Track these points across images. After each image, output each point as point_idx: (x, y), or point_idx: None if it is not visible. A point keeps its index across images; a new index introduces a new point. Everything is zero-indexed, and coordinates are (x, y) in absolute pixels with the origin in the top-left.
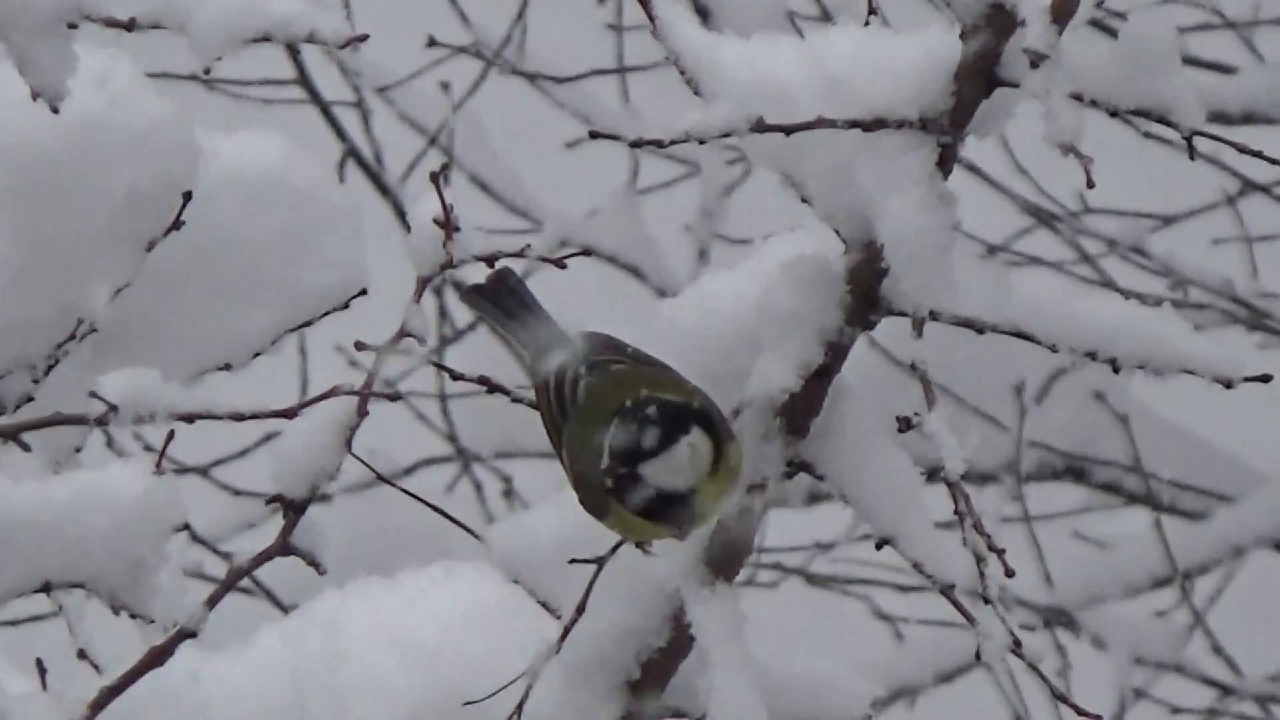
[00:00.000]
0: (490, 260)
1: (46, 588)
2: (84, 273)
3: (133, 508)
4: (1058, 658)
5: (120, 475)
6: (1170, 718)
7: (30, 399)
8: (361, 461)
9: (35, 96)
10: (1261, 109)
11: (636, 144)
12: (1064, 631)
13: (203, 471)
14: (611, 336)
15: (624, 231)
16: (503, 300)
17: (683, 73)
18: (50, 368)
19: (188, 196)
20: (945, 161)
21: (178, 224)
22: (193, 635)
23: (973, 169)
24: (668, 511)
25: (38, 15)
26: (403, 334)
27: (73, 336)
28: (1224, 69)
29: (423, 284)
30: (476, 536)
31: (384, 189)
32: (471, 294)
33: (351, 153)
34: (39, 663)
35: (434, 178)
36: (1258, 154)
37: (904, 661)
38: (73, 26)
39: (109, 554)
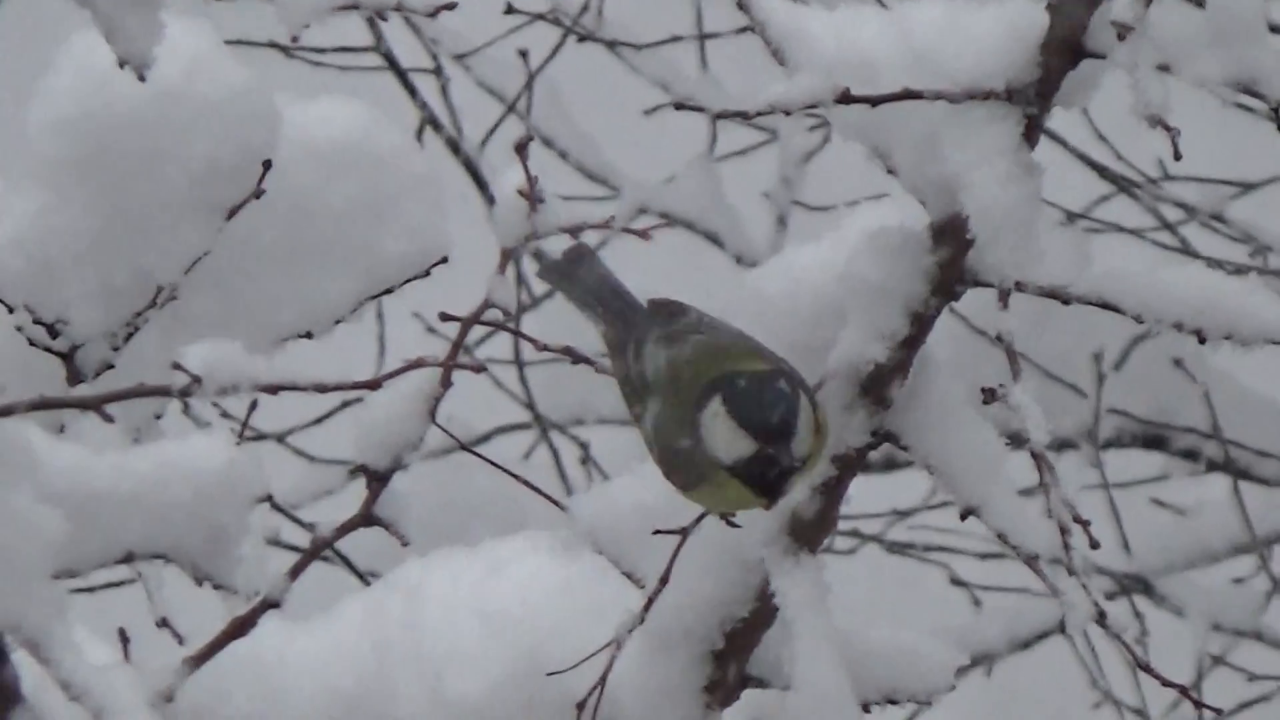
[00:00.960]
0: (574, 231)
1: (129, 558)
2: (163, 241)
3: (215, 478)
4: (1136, 625)
5: (202, 446)
6: (1248, 685)
7: (110, 367)
8: (444, 430)
9: (122, 65)
10: None
11: (721, 115)
12: (1142, 599)
13: (280, 439)
14: (680, 302)
15: (702, 198)
16: (578, 273)
17: (768, 43)
18: (129, 336)
19: (267, 164)
20: (1031, 132)
21: (257, 192)
22: (276, 605)
23: (1052, 136)
24: (779, 483)
25: None
26: (487, 305)
27: (152, 304)
28: None
29: (507, 255)
30: (559, 506)
31: (462, 156)
32: (549, 269)
33: (430, 120)
34: (121, 632)
35: (518, 149)
36: None
37: (981, 629)
38: None
39: (191, 524)
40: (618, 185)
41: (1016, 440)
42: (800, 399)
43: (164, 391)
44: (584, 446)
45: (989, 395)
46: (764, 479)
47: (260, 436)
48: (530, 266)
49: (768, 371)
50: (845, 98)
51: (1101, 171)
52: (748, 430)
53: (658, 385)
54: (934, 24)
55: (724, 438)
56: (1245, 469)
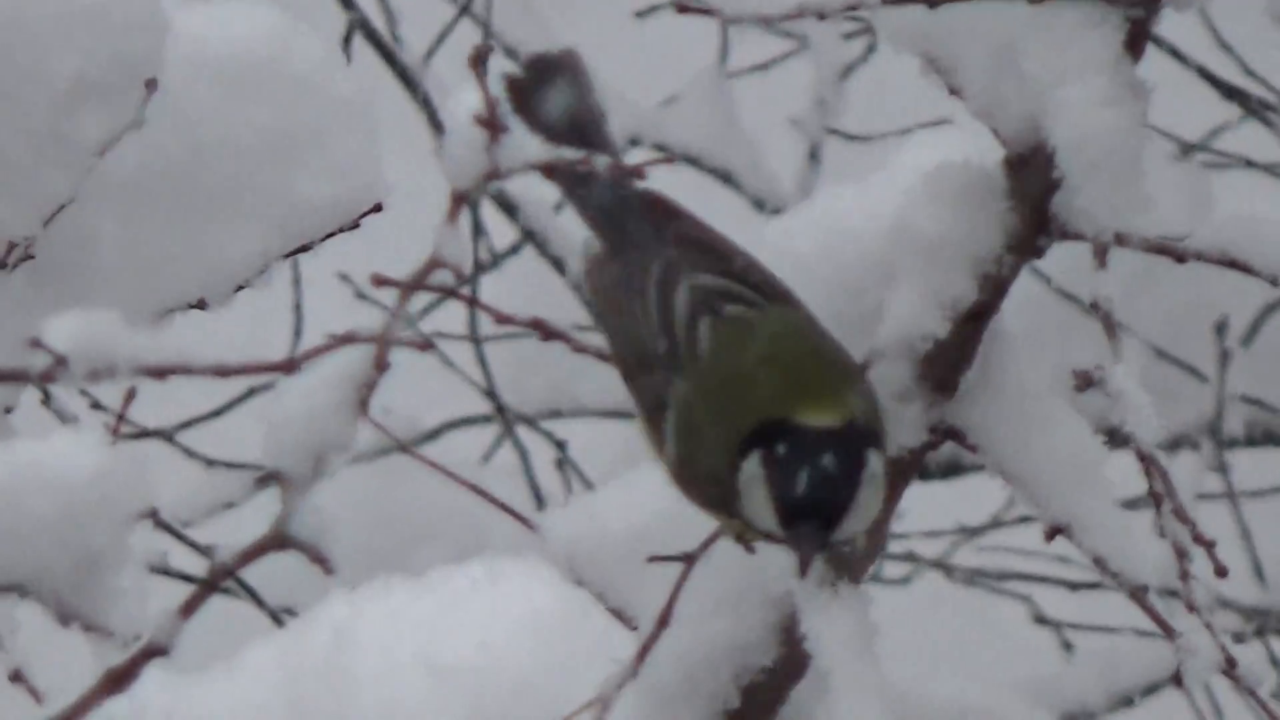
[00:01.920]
0: (548, 169)
1: None
2: (16, 184)
3: (85, 489)
4: (1274, 675)
5: (68, 447)
6: None
7: None
8: (379, 426)
9: None
10: None
11: (735, 20)
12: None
13: (167, 436)
14: (699, 225)
15: (712, 126)
16: (549, 104)
17: None
18: None
19: (150, 85)
20: (1136, 41)
21: (138, 121)
22: (163, 652)
23: (1162, 45)
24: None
25: None
26: (434, 264)
27: (2, 265)
28: None
29: (460, 200)
30: (527, 524)
31: (402, 72)
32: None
33: (360, 24)
34: None
35: (474, 63)
36: None
37: (1074, 678)
38: None
39: (55, 548)
40: (604, 109)
41: (1117, 438)
42: (863, 474)
43: (19, 376)
44: (560, 445)
45: (1083, 380)
46: (793, 552)
47: (142, 434)
48: (491, 210)
49: (826, 432)
50: None
51: (1226, 91)
52: (779, 516)
53: (695, 369)
54: None
55: (756, 509)
56: None
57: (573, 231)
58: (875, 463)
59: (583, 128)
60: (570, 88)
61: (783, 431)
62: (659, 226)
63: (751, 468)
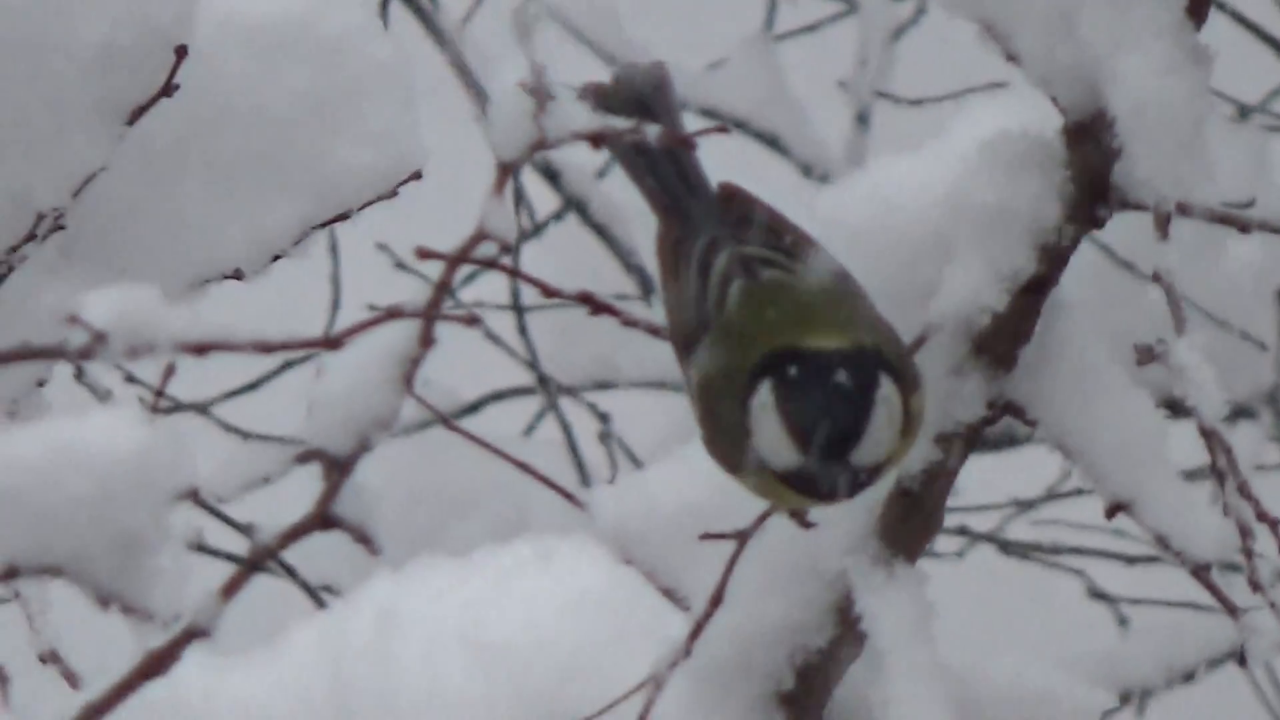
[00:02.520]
0: (596, 139)
1: (12, 573)
2: (45, 154)
3: (124, 468)
4: None
5: (106, 425)
6: None
7: None
8: (422, 402)
9: None
10: None
11: None
12: None
13: (203, 409)
14: (760, 204)
15: (758, 89)
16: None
17: None
18: (3, 276)
19: (181, 52)
20: (1197, 5)
21: (168, 89)
22: (204, 635)
23: (1221, 6)
24: (835, 493)
25: None
26: (480, 237)
27: (32, 236)
28: None
29: (506, 171)
30: (572, 500)
31: (440, 36)
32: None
33: None
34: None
35: (520, 28)
36: None
37: (1130, 655)
38: None
39: (94, 529)
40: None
41: (1176, 408)
42: (877, 394)
43: (58, 353)
44: (604, 418)
45: (1145, 354)
46: (817, 490)
47: (178, 407)
48: (532, 179)
49: (836, 353)
50: None
51: None
52: (794, 438)
53: (720, 323)
54: None
55: (770, 440)
56: None
57: (616, 198)
58: (888, 386)
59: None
60: (657, 104)
61: (790, 357)
62: (722, 207)
63: (762, 397)
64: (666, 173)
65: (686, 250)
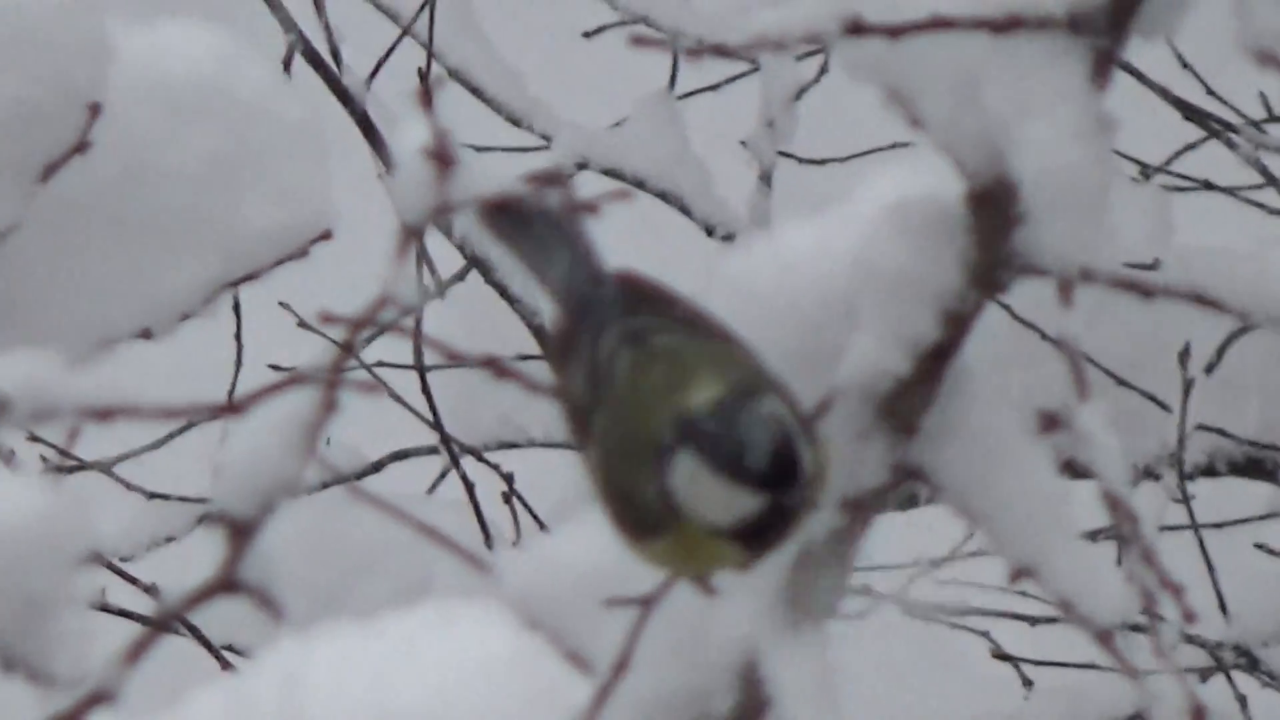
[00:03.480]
0: (494, 211)
1: None
2: None
3: (27, 533)
4: (1237, 711)
5: (9, 491)
6: None
7: None
8: (328, 468)
9: None
10: None
11: (694, 52)
12: (1244, 675)
13: (105, 469)
14: (653, 283)
15: (661, 148)
16: (535, 224)
17: None
18: None
19: (94, 109)
20: (1102, 72)
21: (81, 146)
22: (109, 698)
23: (1124, 66)
24: (782, 534)
25: None
26: (382, 302)
27: None
28: None
29: (410, 235)
30: (475, 562)
31: (344, 95)
32: (494, 213)
33: (301, 46)
34: None
35: (424, 96)
36: None
37: (1034, 715)
38: None
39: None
40: (549, 132)
41: (1079, 471)
42: (782, 412)
43: None
44: (508, 478)
45: (1049, 421)
46: (773, 536)
47: (80, 466)
48: (435, 238)
49: (732, 393)
50: (857, 27)
51: (1187, 112)
52: (750, 483)
53: (613, 397)
54: None
55: (717, 500)
56: None
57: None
58: (782, 408)
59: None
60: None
61: (694, 420)
62: (620, 293)
63: (686, 467)
64: (562, 262)
65: (575, 338)
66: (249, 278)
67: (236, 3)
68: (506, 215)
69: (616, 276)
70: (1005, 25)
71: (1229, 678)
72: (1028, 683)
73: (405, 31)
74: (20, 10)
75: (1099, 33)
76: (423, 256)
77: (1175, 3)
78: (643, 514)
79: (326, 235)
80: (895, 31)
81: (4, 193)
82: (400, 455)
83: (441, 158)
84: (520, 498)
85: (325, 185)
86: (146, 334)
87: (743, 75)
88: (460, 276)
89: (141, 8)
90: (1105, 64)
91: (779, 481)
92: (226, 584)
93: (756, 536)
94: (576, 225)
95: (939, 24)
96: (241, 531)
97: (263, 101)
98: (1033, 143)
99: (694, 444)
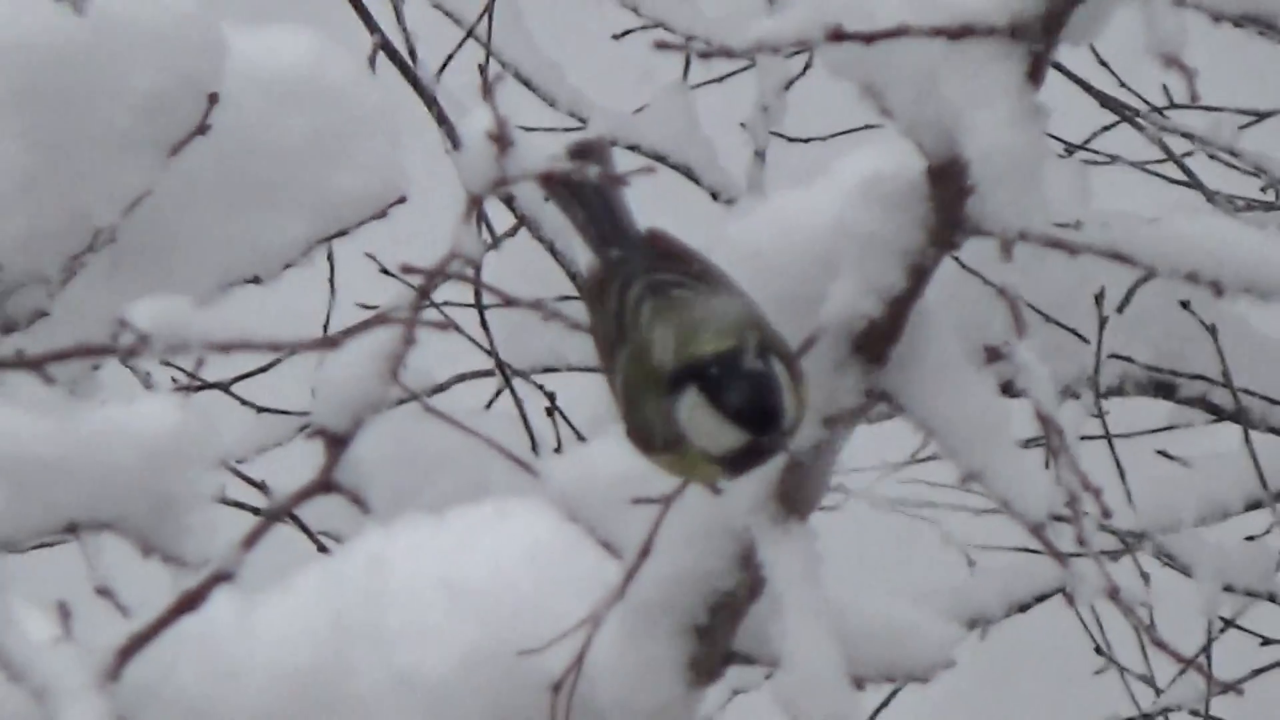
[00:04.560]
0: (547, 180)
1: (72, 529)
2: (101, 180)
3: (164, 442)
4: (1144, 591)
5: (150, 407)
6: (1260, 650)
7: (44, 314)
8: (406, 390)
9: None
10: None
11: (707, 54)
12: (1147, 557)
13: (225, 388)
14: (676, 242)
15: (675, 129)
16: (583, 187)
17: None
18: (65, 281)
19: (213, 98)
20: (1036, 71)
21: (202, 128)
22: (228, 578)
23: (1053, 65)
24: (761, 463)
25: None
26: (453, 255)
27: (90, 247)
28: None
29: (475, 203)
30: (526, 467)
31: (418, 85)
32: (550, 181)
33: (383, 46)
34: (61, 605)
35: (486, 90)
36: None
37: (976, 590)
38: None
39: (138, 492)
40: (585, 115)
41: (1015, 392)
42: (776, 370)
43: (110, 350)
44: (550, 396)
45: (993, 354)
46: (748, 461)
47: (204, 386)
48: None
49: (735, 350)
50: (838, 35)
51: (1103, 100)
52: (738, 422)
53: (635, 337)
54: None
55: (710, 431)
56: (1258, 418)
57: (559, 220)
58: (778, 366)
59: (602, 201)
60: (600, 164)
61: (703, 364)
62: (647, 249)
63: (690, 400)
64: (601, 219)
65: (608, 285)
66: (338, 234)
67: (329, 8)
68: (559, 183)
69: (645, 233)
70: (958, 33)
71: (1135, 560)
72: (971, 564)
73: (469, 34)
74: (150, 18)
75: (1035, 39)
76: (482, 218)
77: (1096, 15)
78: (651, 432)
79: (401, 199)
80: (869, 38)
81: (141, 166)
82: (463, 378)
83: (501, 138)
84: (561, 413)
85: (399, 159)
86: (256, 279)
87: (743, 70)
88: (512, 233)
89: (250, 13)
90: (1039, 64)
91: (761, 427)
92: (324, 484)
93: (738, 463)
94: (612, 192)
95: (904, 31)
96: (336, 441)
97: (348, 91)
98: (980, 128)
99: (697, 385)
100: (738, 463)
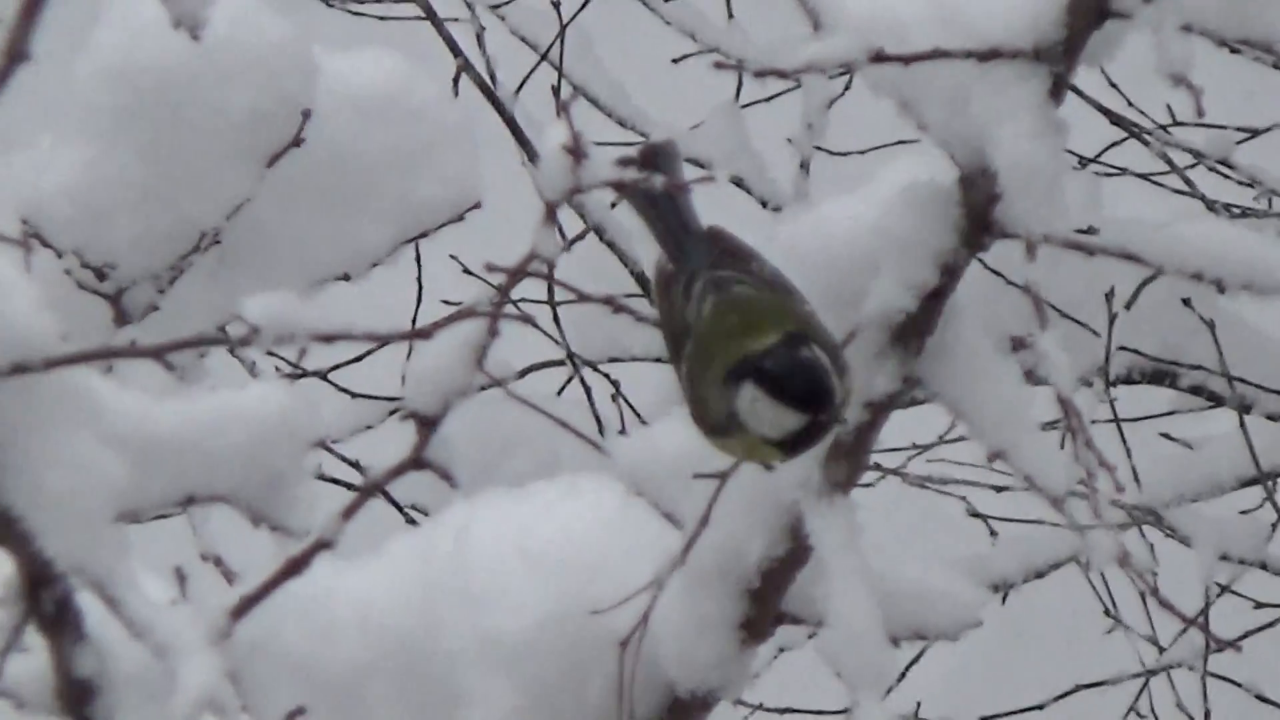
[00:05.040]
0: (618, 186)
1: (189, 501)
2: (206, 189)
3: (271, 423)
4: (1150, 559)
5: (259, 392)
6: (1254, 612)
7: (155, 308)
8: (490, 377)
9: (176, 25)
10: None
11: (760, 74)
12: (1152, 529)
13: (323, 376)
14: (737, 242)
15: (728, 144)
16: (654, 196)
17: (803, 4)
18: (174, 279)
19: (307, 114)
20: (1057, 90)
21: (297, 140)
22: (329, 546)
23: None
24: (806, 441)
25: None
26: (532, 256)
27: (197, 248)
28: None
29: (552, 209)
30: (594, 446)
31: (497, 104)
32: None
33: (465, 68)
34: (178, 570)
35: (562, 109)
36: None
37: (997, 558)
38: None
39: (249, 469)
40: (647, 131)
41: (1037, 379)
42: (825, 363)
43: (223, 341)
44: (615, 384)
45: (1018, 344)
46: (805, 443)
47: (305, 374)
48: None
49: (784, 341)
50: (879, 57)
51: (1113, 118)
52: (793, 406)
53: (698, 330)
54: None
55: (770, 418)
56: (1250, 404)
57: (624, 225)
58: (820, 352)
59: (670, 201)
60: (668, 166)
61: (757, 358)
62: (710, 246)
63: (749, 393)
64: (669, 218)
65: (674, 281)
66: (421, 236)
67: (416, 33)
68: (633, 190)
69: (707, 231)
70: (987, 55)
71: (1141, 531)
72: (994, 534)
73: (543, 57)
74: (250, 43)
75: (1056, 62)
76: (555, 222)
77: (1109, 40)
78: (714, 417)
79: (477, 205)
80: (907, 60)
81: (241, 175)
82: (538, 366)
83: (575, 151)
84: (625, 398)
85: (476, 170)
86: (346, 276)
87: (789, 90)
88: (582, 237)
89: (341, 38)
90: (1059, 84)
91: (813, 409)
92: (416, 461)
93: (794, 444)
94: (679, 197)
95: (939, 54)
96: (427, 423)
97: (430, 108)
98: (1006, 141)
99: (754, 377)
100: (794, 444)
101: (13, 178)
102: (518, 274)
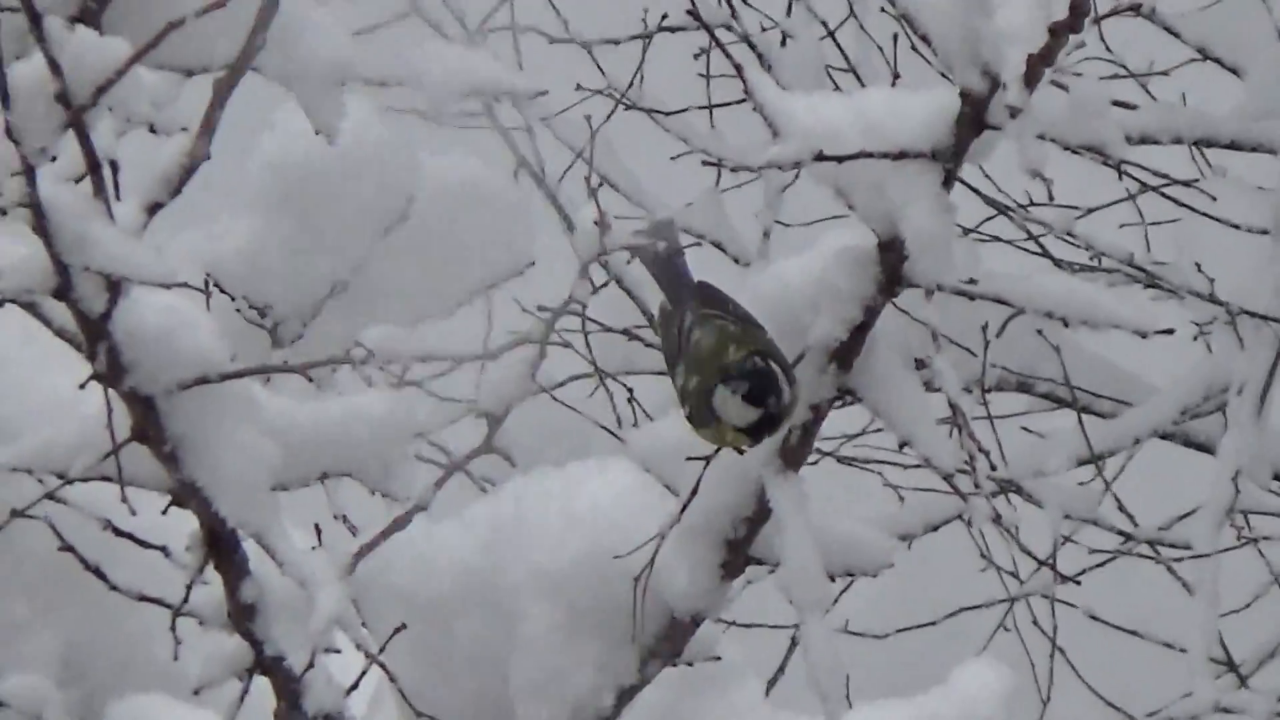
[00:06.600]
0: (633, 249)
1: (324, 476)
2: (338, 251)
3: (382, 420)
4: (1014, 516)
5: (373, 397)
6: (1089, 556)
7: (299, 337)
8: (541, 386)
9: (317, 132)
10: (1153, 134)
11: (735, 169)
12: (1014, 495)
13: (419, 385)
14: (717, 291)
15: (711, 217)
16: (660, 253)
17: (765, 118)
18: (314, 316)
19: (410, 199)
20: (949, 181)
21: (403, 217)
22: (424, 509)
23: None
24: (770, 432)
25: (318, 74)
26: (571, 300)
27: (330, 293)
28: (1127, 106)
29: (585, 266)
30: (617, 436)
31: (546, 189)
32: (646, 250)
33: (523, 163)
34: (316, 526)
35: (592, 193)
36: (1165, 179)
37: (904, 517)
38: (341, 84)
39: (367, 453)
40: (652, 209)
41: (933, 387)
42: (778, 372)
43: (348, 361)
44: (630, 390)
45: (920, 363)
46: (760, 431)
47: (407, 384)
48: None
49: (750, 357)
50: (820, 157)
51: (988, 200)
52: (755, 403)
53: (688, 353)
54: (882, 105)
55: (736, 412)
56: (1086, 406)
57: (638, 276)
58: (775, 367)
59: (671, 262)
60: (668, 236)
61: (731, 369)
62: (698, 293)
63: (723, 393)
64: (670, 273)
65: (673, 318)
66: (491, 286)
67: (487, 139)
68: (644, 252)
69: (697, 284)
70: (898, 156)
71: (1007, 498)
72: (902, 499)
73: (578, 156)
74: (363, 144)
75: (948, 160)
76: (588, 275)
77: (987, 145)
78: (699, 415)
79: (531, 264)
80: (840, 159)
81: (364, 241)
82: (575, 378)
83: (602, 223)
84: (638, 401)
85: (530, 238)
86: (438, 315)
87: (754, 179)
88: (606, 285)
89: (438, 143)
90: (950, 177)
91: (767, 404)
92: (487, 448)
93: (757, 431)
94: (676, 257)
95: (864, 155)
96: (494, 419)
97: (497, 194)
98: (912, 217)
99: (727, 382)
100: (757, 432)
101: (198, 243)
102: (560, 312)
